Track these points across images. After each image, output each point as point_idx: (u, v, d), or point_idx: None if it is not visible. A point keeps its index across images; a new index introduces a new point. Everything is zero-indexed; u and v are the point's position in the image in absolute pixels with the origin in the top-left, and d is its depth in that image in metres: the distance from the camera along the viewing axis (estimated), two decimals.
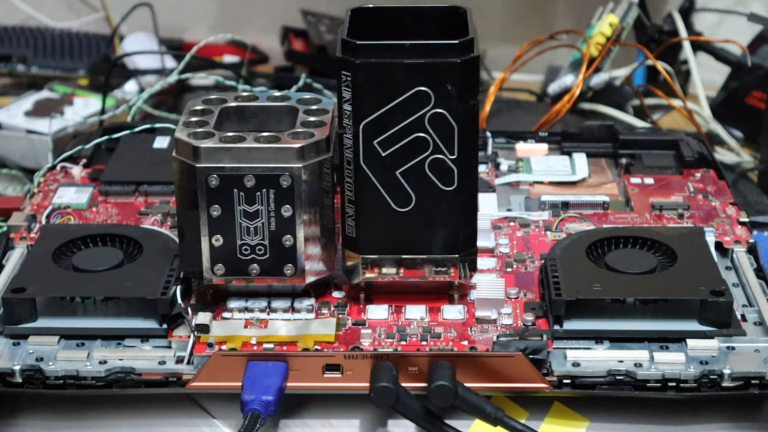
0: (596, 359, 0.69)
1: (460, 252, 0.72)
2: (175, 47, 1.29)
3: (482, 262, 0.77)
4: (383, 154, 0.70)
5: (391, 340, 0.71)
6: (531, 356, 0.69)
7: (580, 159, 0.91)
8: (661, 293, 0.72)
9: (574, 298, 0.71)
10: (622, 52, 1.15)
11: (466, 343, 0.70)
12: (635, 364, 0.69)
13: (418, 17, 0.73)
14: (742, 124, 1.10)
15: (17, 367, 0.69)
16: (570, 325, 0.71)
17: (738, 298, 0.75)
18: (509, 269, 0.78)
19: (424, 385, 0.68)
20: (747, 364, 0.69)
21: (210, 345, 0.70)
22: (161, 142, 0.92)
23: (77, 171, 0.90)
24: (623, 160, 0.91)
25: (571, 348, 0.70)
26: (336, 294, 0.75)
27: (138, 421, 0.70)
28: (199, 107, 0.74)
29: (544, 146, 0.93)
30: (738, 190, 0.96)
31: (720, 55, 1.13)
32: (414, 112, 0.69)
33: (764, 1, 1.25)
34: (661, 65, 1.06)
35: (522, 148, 0.93)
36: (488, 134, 0.94)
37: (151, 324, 0.72)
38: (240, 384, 0.68)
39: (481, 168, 0.89)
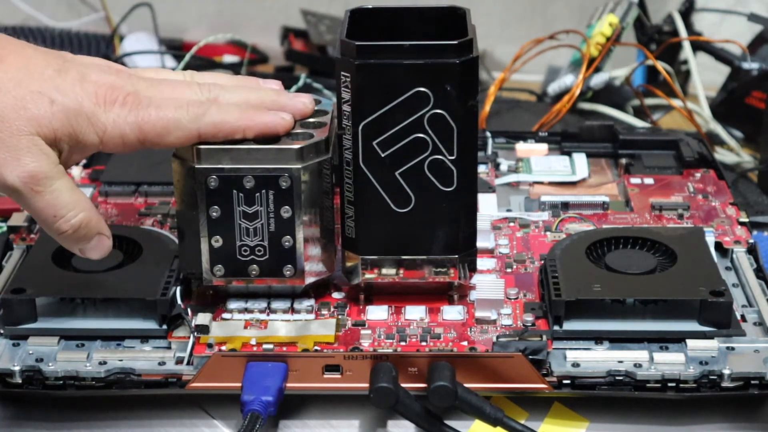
0: (596, 360, 0.69)
1: (460, 252, 0.72)
2: (175, 47, 1.30)
3: (482, 262, 0.77)
4: (382, 155, 0.70)
5: (391, 341, 0.71)
6: (531, 357, 0.69)
7: (580, 159, 0.91)
8: (661, 294, 0.72)
9: (574, 298, 0.71)
10: (622, 52, 1.15)
11: (465, 343, 0.70)
12: (635, 365, 0.69)
13: (417, 17, 0.73)
14: (742, 124, 1.10)
15: (17, 368, 0.69)
16: (570, 325, 0.71)
17: (738, 299, 0.75)
18: (509, 270, 0.77)
19: (423, 385, 0.68)
20: (747, 364, 0.69)
21: (210, 346, 0.70)
22: None
23: (77, 171, 0.90)
24: (623, 160, 0.91)
25: (570, 348, 0.70)
26: (336, 295, 0.75)
27: (138, 421, 0.70)
28: None
29: (544, 146, 0.93)
30: (738, 190, 0.96)
31: (720, 55, 1.13)
32: (413, 113, 0.69)
33: (764, 1, 1.25)
34: (661, 65, 1.06)
35: (522, 148, 0.93)
36: (488, 134, 0.94)
37: (150, 325, 0.71)
38: (240, 384, 0.68)
39: (481, 168, 0.89)
